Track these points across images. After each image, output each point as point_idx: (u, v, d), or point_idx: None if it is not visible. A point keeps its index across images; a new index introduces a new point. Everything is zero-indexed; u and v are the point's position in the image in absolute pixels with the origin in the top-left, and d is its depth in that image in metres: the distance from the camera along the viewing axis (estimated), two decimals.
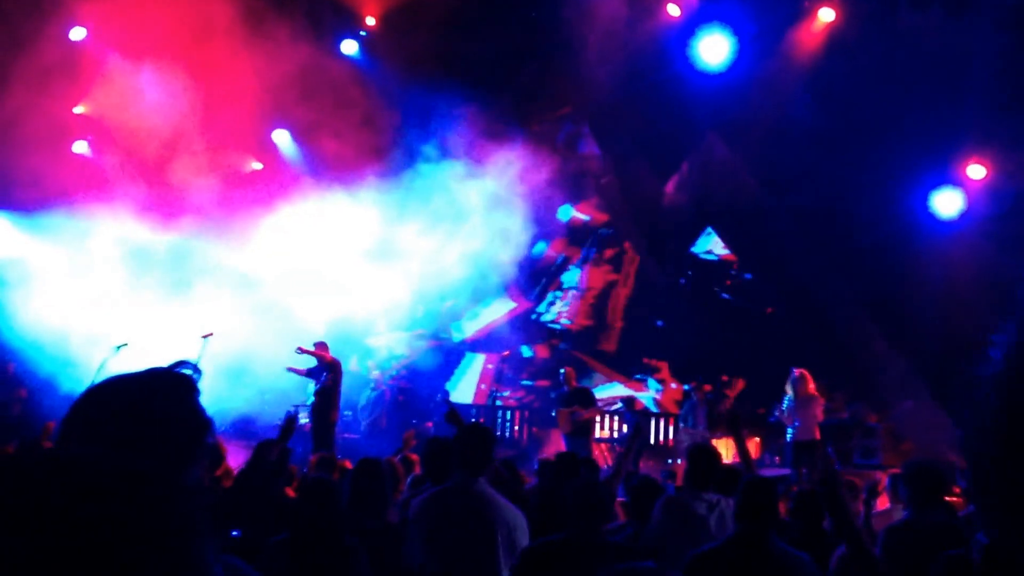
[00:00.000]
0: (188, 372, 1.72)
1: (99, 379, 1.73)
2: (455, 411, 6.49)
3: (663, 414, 17.53)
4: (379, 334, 18.82)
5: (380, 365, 18.35)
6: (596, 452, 13.69)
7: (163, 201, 15.02)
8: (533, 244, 18.62)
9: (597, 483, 4.60)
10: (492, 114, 16.22)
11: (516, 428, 17.75)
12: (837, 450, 13.04)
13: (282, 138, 17.38)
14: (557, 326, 20.01)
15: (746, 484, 4.11)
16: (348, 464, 7.32)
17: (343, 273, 15.47)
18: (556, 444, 14.23)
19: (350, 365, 16.51)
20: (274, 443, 6.19)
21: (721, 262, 19.47)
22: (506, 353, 17.13)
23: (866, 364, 16.30)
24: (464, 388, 19.17)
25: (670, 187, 19.35)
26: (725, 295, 19.31)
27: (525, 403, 18.84)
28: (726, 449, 12.69)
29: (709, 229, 19.45)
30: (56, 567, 0.74)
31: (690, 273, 19.57)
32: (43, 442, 7.57)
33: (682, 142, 18.43)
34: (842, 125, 15.19)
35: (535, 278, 19.85)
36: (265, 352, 13.83)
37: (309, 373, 12.88)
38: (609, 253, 20.10)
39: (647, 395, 18.67)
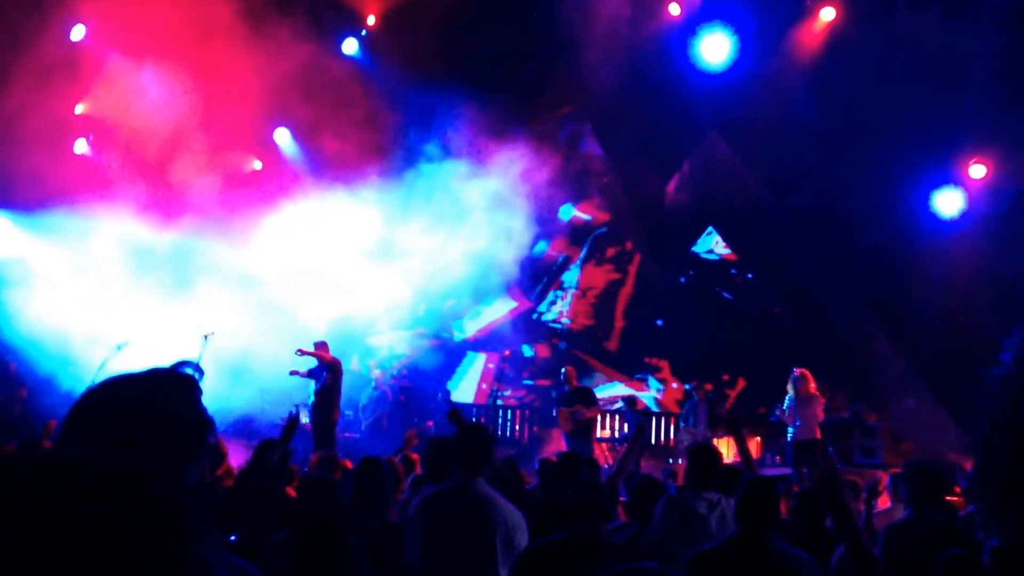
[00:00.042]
0: (190, 372, 1.72)
1: (100, 378, 1.73)
2: (457, 410, 6.50)
3: (664, 413, 17.54)
4: (380, 333, 18.84)
5: (381, 364, 18.36)
6: (597, 451, 13.68)
7: (164, 200, 15.01)
8: (534, 243, 18.62)
9: (598, 483, 4.61)
10: (493, 113, 16.22)
11: (517, 427, 17.77)
12: (838, 449, 13.04)
13: (283, 137, 17.37)
14: (558, 325, 20.02)
15: (747, 483, 4.11)
16: (349, 463, 7.33)
17: (344, 272, 15.47)
18: (557, 443, 14.23)
19: (351, 364, 16.53)
20: (276, 443, 6.19)
21: (722, 261, 19.47)
22: (507, 352, 17.12)
23: (867, 363, 16.31)
24: (465, 387, 19.18)
25: (671, 186, 19.36)
26: (726, 295, 19.31)
27: (526, 402, 18.85)
28: (727, 448, 12.70)
29: (710, 228, 19.45)
30: (56, 567, 0.74)
31: (691, 272, 19.57)
32: (44, 441, 7.57)
33: (683, 141, 18.43)
34: (843, 124, 15.19)
35: (536, 277, 19.86)
36: (266, 351, 13.82)
37: (310, 373, 12.89)
38: (611, 252, 20.10)
39: (648, 394, 18.67)
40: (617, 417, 16.46)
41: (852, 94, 15.16)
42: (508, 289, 19.19)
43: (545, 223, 18.55)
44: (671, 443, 15.98)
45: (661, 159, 18.83)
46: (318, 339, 13.05)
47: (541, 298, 20.13)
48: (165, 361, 1.74)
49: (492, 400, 17.13)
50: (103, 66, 15.02)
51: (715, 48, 15.47)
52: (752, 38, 15.49)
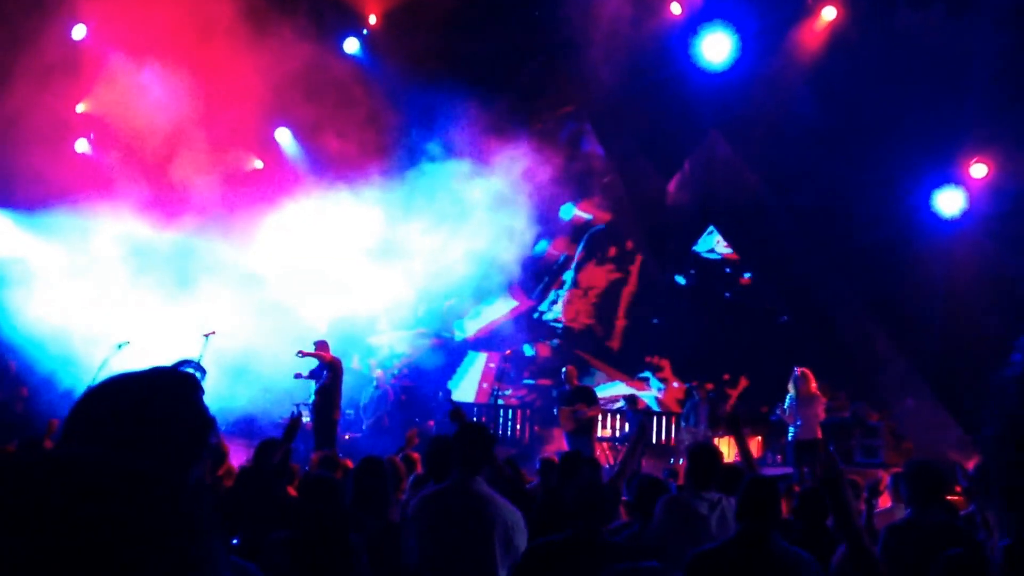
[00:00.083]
0: (192, 371, 1.71)
1: (101, 378, 1.73)
2: (460, 410, 6.50)
3: (665, 413, 17.54)
4: (381, 333, 18.84)
5: (382, 364, 18.37)
6: (598, 451, 13.68)
7: (165, 199, 15.02)
8: (535, 242, 18.62)
9: (599, 483, 4.60)
10: (495, 112, 16.21)
11: (518, 427, 17.77)
12: (839, 449, 13.05)
13: (284, 136, 17.38)
14: (559, 325, 20.02)
15: (748, 483, 4.10)
16: (350, 463, 7.33)
17: (345, 272, 15.48)
18: (558, 443, 14.24)
19: (352, 364, 16.53)
20: (278, 443, 6.19)
21: (723, 261, 19.46)
22: (508, 352, 17.13)
23: (868, 363, 16.30)
24: (466, 387, 19.19)
25: (672, 186, 19.36)
26: (727, 294, 19.30)
27: (527, 402, 18.85)
28: (728, 448, 12.70)
29: (711, 228, 19.44)
30: (57, 567, 0.74)
31: (692, 272, 19.57)
32: (46, 440, 7.57)
33: (684, 141, 18.43)
34: (844, 124, 15.19)
35: (537, 277, 19.86)
36: (267, 351, 13.84)
37: (311, 374, 12.91)
38: (612, 251, 20.10)
39: (649, 394, 18.67)
40: (618, 416, 16.47)
41: (853, 93, 15.15)
42: (509, 288, 19.20)
43: (546, 222, 18.55)
44: (672, 442, 15.98)
45: (662, 158, 18.83)
46: (318, 338, 13.06)
47: (542, 297, 20.13)
48: (166, 360, 1.73)
49: (493, 399, 17.12)
50: (104, 65, 15.02)
51: (716, 47, 15.48)
52: (753, 37, 15.49)
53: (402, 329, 18.98)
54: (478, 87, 15.98)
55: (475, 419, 14.26)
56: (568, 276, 20.19)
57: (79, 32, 14.90)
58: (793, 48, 15.89)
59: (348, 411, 15.49)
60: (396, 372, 18.53)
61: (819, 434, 11.63)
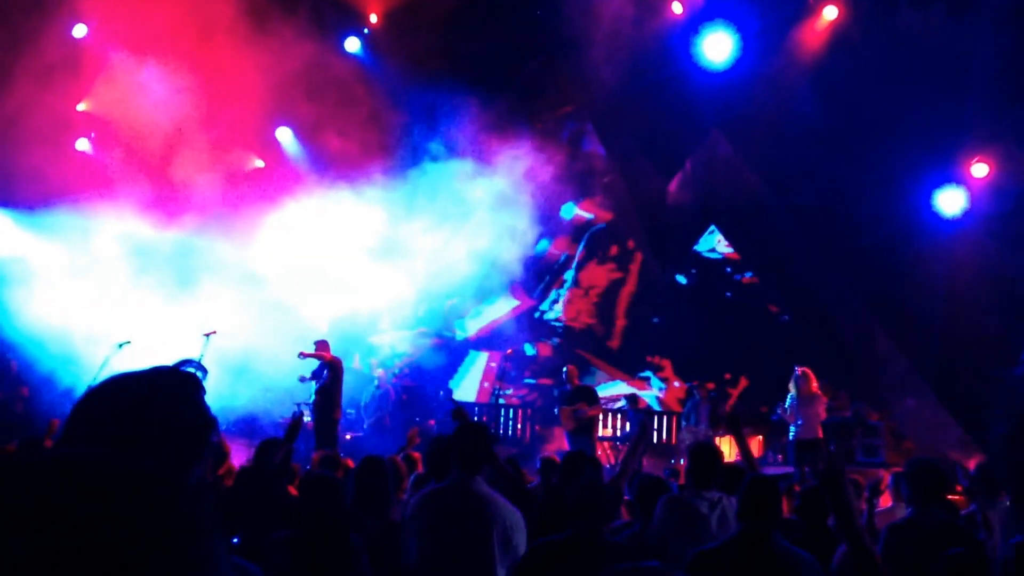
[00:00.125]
0: (193, 371, 1.71)
1: (102, 377, 1.73)
2: (462, 409, 6.49)
3: (666, 412, 17.54)
4: (383, 332, 18.84)
5: (383, 363, 18.36)
6: (599, 450, 13.68)
7: (166, 199, 15.02)
8: (537, 242, 18.63)
9: (601, 482, 4.60)
10: (496, 112, 16.21)
11: (519, 426, 17.78)
12: (840, 448, 13.05)
13: (285, 136, 17.37)
14: (560, 324, 20.01)
15: (749, 482, 4.10)
16: (351, 462, 7.33)
17: (347, 271, 15.47)
18: (559, 442, 14.24)
19: (353, 363, 16.53)
20: (279, 443, 6.19)
21: (724, 260, 19.46)
22: (509, 351, 17.13)
23: (868, 362, 16.30)
24: (467, 386, 19.19)
25: (673, 185, 19.34)
26: (728, 293, 19.30)
27: (528, 401, 18.86)
28: (728, 447, 12.70)
29: (712, 227, 19.44)
30: (58, 567, 0.74)
31: (693, 271, 19.56)
32: (47, 440, 7.57)
33: (685, 140, 18.41)
34: (845, 123, 15.17)
35: (538, 276, 19.85)
36: (268, 350, 13.84)
37: (312, 374, 12.91)
38: (613, 251, 20.09)
39: (650, 393, 18.67)
40: (619, 416, 16.46)
41: (854, 93, 15.14)
42: (510, 288, 19.20)
43: (548, 222, 18.55)
44: (673, 442, 15.98)
45: (663, 158, 18.81)
46: (319, 338, 13.06)
47: (543, 296, 20.13)
48: (167, 360, 1.73)
49: (494, 399, 17.12)
50: (105, 64, 15.03)
51: (717, 47, 15.46)
52: (754, 37, 15.48)
53: (403, 328, 18.98)
54: (479, 86, 15.98)
55: (476, 418, 14.26)
56: (569, 275, 20.18)
57: (80, 31, 14.90)
58: (794, 48, 15.87)
59: (349, 411, 15.49)
60: (397, 371, 18.52)
61: (820, 433, 11.64)
